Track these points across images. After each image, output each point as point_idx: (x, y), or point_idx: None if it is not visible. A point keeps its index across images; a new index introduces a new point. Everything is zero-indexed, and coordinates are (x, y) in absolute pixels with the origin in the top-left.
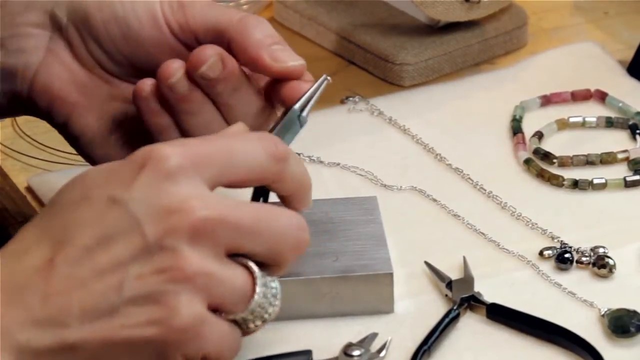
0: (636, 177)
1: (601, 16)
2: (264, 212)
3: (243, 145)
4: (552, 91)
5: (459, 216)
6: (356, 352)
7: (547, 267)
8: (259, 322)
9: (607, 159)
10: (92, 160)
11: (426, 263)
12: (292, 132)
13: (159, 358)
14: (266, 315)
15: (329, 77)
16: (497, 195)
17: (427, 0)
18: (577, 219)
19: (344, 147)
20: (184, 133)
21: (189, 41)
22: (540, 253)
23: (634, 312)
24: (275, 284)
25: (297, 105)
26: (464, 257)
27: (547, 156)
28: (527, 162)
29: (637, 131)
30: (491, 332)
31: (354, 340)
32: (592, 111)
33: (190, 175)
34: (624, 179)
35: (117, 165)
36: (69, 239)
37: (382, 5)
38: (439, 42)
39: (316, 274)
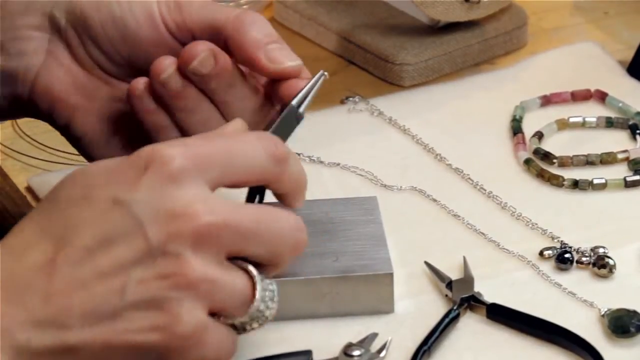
0: (636, 177)
1: (601, 16)
2: (264, 214)
3: (243, 146)
4: (552, 91)
5: (459, 216)
6: (356, 352)
7: (547, 267)
8: (256, 325)
9: (607, 159)
10: (95, 161)
11: (426, 263)
12: (290, 128)
13: None
14: (264, 318)
15: (325, 73)
16: (497, 195)
17: (427, 0)
18: (577, 219)
19: (344, 147)
20: (183, 131)
21: (186, 40)
22: (540, 253)
23: (634, 312)
24: (273, 286)
25: (294, 102)
26: (464, 257)
27: (547, 156)
28: (527, 162)
29: (637, 131)
30: (491, 332)
31: (354, 340)
32: (592, 111)
33: (193, 178)
34: (624, 179)
35: (119, 164)
36: (70, 239)
37: (382, 5)
38: (439, 42)
39: (316, 274)
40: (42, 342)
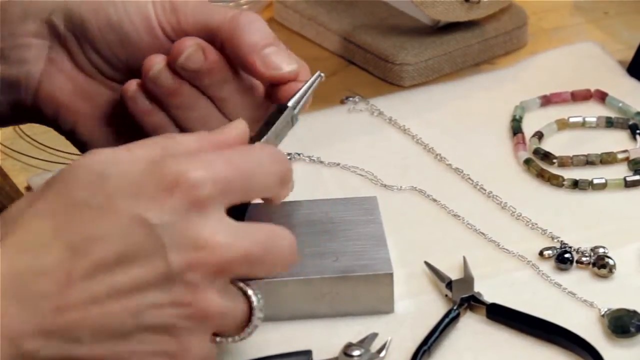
0: (636, 177)
1: (601, 16)
2: (270, 238)
3: (261, 170)
4: (552, 91)
5: (459, 216)
6: (356, 352)
7: (547, 267)
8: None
9: (607, 159)
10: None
11: (426, 263)
12: (286, 129)
13: None
14: (250, 331)
15: (322, 74)
16: (497, 195)
17: (427, 0)
18: (577, 219)
19: (344, 147)
20: (183, 131)
21: None
22: (540, 253)
23: (634, 312)
24: (260, 296)
25: (290, 103)
26: (464, 257)
27: (547, 156)
28: (527, 162)
29: (637, 131)
30: (491, 332)
31: (354, 340)
32: (592, 111)
33: (218, 204)
34: (624, 179)
35: (143, 176)
36: (88, 251)
37: (382, 5)
38: (439, 42)
39: (316, 274)
40: (49, 352)
